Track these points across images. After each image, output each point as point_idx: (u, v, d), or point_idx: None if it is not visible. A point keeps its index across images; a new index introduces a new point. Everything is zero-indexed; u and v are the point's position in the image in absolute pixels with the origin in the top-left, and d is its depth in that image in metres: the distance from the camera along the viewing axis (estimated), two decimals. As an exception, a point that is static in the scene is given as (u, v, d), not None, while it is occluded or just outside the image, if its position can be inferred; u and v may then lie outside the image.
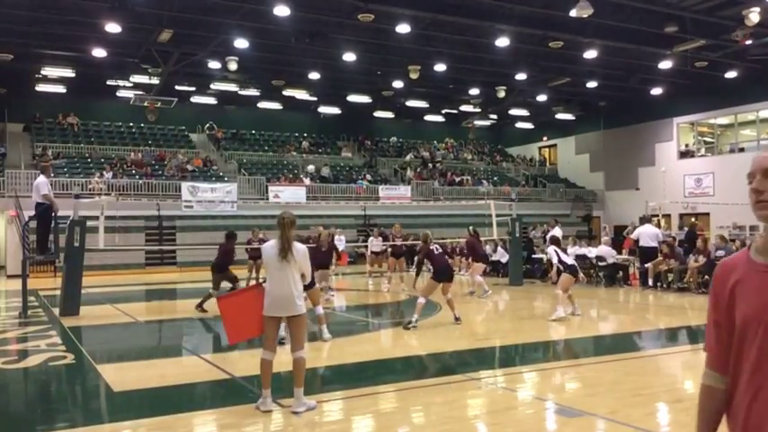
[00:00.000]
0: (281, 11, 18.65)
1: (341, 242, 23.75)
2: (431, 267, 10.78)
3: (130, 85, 28.08)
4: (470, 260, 16.61)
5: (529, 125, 39.53)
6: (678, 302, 13.55)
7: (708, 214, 28.16)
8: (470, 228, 16.44)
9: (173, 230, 26.07)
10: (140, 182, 26.70)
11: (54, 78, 27.67)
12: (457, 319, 10.28)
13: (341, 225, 26.42)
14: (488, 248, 21.42)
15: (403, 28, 20.67)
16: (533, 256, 19.78)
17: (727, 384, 1.80)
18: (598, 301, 14.11)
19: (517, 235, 17.56)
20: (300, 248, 5.61)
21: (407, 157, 36.86)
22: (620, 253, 18.66)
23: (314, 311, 8.86)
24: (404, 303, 13.96)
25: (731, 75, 26.55)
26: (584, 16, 18.23)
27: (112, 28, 19.88)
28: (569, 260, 11.46)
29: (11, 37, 22.29)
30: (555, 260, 11.31)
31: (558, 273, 11.38)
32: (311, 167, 32.05)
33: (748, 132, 30.12)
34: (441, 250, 10.87)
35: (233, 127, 34.89)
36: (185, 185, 26.94)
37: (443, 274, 10.26)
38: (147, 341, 10.17)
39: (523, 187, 35.98)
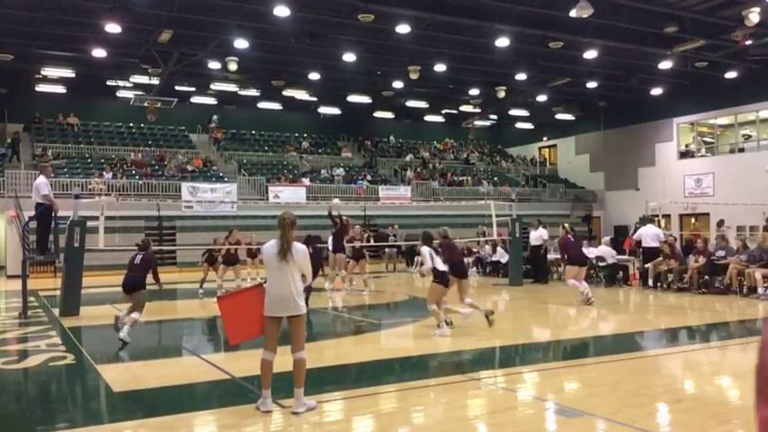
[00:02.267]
0: (281, 11, 18.67)
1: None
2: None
3: (130, 85, 28.11)
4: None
5: (529, 125, 39.55)
6: (678, 302, 13.55)
7: (708, 214, 28.16)
8: (566, 225, 15.76)
9: (173, 231, 26.08)
10: (140, 182, 26.70)
11: (54, 78, 27.69)
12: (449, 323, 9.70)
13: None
14: (488, 248, 21.47)
15: (403, 28, 20.69)
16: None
17: None
18: (598, 301, 14.09)
19: (517, 235, 17.56)
20: (300, 249, 5.61)
21: (407, 158, 36.88)
22: (620, 253, 18.68)
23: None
24: (403, 303, 13.96)
25: (731, 75, 26.57)
26: (584, 16, 18.25)
27: (112, 28, 19.89)
28: (441, 266, 9.58)
29: (11, 37, 22.30)
30: (428, 264, 9.52)
31: (436, 277, 9.59)
32: (338, 170, 32.26)
33: (748, 132, 30.15)
34: (453, 247, 10.60)
35: (233, 127, 34.89)
36: (185, 186, 26.94)
37: (456, 270, 10.04)
38: (147, 341, 10.16)
39: (523, 187, 35.98)
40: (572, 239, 13.69)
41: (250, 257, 18.25)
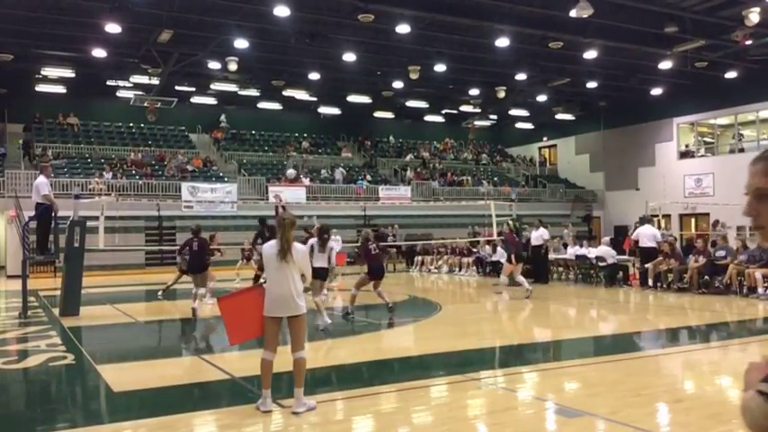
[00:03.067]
0: (281, 11, 18.66)
1: (337, 242, 23.77)
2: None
3: (130, 85, 28.11)
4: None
5: (529, 125, 39.54)
6: (678, 302, 13.54)
7: (708, 214, 28.17)
8: (509, 222, 16.20)
9: (173, 231, 26.07)
10: (140, 182, 26.70)
11: (54, 78, 27.69)
12: (390, 307, 11.19)
13: (341, 225, 26.41)
14: (488, 248, 21.46)
15: (403, 28, 20.68)
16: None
17: None
18: (598, 301, 14.10)
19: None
20: (300, 249, 5.62)
21: (407, 158, 36.88)
22: (619, 253, 18.68)
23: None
24: (403, 303, 13.96)
25: (731, 75, 26.56)
26: (584, 16, 18.24)
27: (112, 28, 19.88)
28: (319, 262, 10.21)
29: (11, 37, 22.30)
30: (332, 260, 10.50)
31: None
32: (341, 171, 32.37)
33: (748, 133, 30.17)
34: (378, 251, 11.47)
35: (233, 127, 34.89)
36: (185, 186, 26.94)
37: (377, 273, 11.27)
38: (147, 341, 10.17)
39: (523, 187, 35.98)
40: (515, 236, 14.26)
41: (246, 259, 18.44)
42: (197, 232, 12.24)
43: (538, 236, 18.00)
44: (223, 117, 34.12)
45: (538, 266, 18.21)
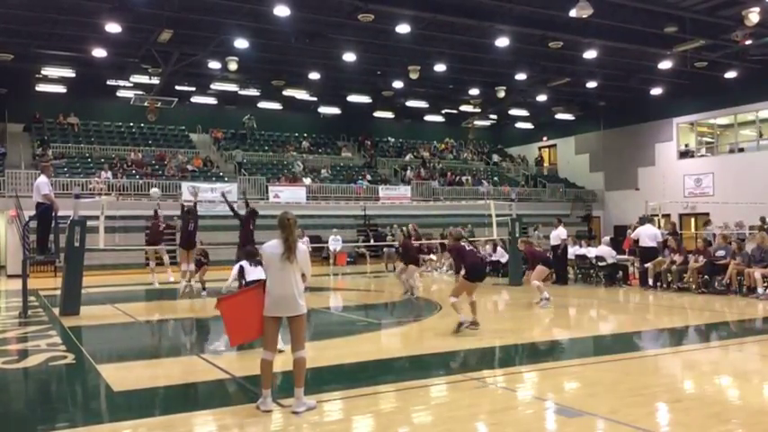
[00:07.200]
0: (281, 11, 18.69)
1: (337, 242, 23.87)
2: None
3: (130, 85, 28.12)
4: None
5: (529, 125, 39.55)
6: (678, 302, 13.54)
7: (707, 214, 28.18)
8: (406, 227, 17.29)
9: (173, 230, 26.04)
10: (140, 182, 26.70)
11: (54, 78, 27.70)
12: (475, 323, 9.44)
13: (341, 225, 26.49)
14: (488, 248, 21.45)
15: (403, 28, 20.69)
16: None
17: None
18: (598, 301, 14.10)
19: (517, 235, 17.54)
20: (301, 249, 5.60)
21: (407, 158, 36.89)
22: (619, 253, 18.65)
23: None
24: (403, 303, 13.97)
25: (731, 75, 26.57)
26: (584, 16, 18.24)
27: (112, 28, 19.91)
28: (253, 275, 8.04)
29: (11, 37, 22.31)
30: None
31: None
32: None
33: (748, 132, 30.18)
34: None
35: (233, 127, 34.90)
36: (185, 185, 26.93)
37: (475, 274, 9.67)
38: (147, 341, 10.17)
39: (523, 187, 35.99)
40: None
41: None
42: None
43: (555, 235, 17.92)
44: (246, 117, 34.15)
45: (556, 266, 17.97)
